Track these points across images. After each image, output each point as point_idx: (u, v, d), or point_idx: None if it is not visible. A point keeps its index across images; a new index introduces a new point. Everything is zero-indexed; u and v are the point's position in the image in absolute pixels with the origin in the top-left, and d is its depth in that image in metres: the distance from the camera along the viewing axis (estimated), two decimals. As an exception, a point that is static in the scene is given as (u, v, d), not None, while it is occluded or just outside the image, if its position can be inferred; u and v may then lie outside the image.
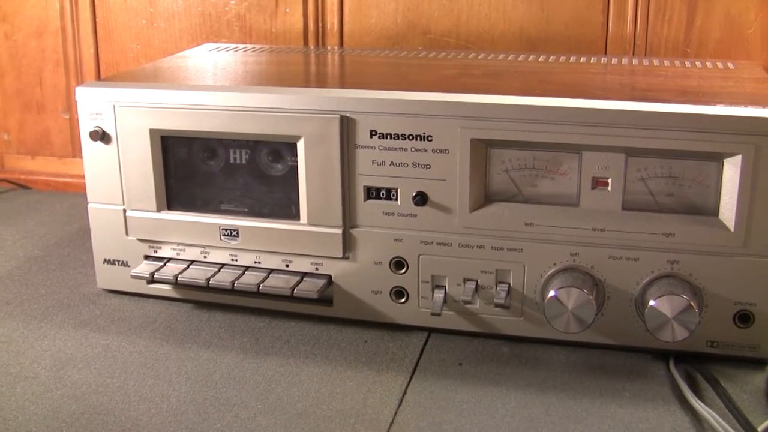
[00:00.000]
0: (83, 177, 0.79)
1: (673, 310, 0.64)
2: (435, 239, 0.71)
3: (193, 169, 0.76)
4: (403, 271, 0.72)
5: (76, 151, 1.16)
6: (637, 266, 0.67)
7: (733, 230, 0.65)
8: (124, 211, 0.78)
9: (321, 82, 0.85)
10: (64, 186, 1.16)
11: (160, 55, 1.08)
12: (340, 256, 0.73)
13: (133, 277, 0.78)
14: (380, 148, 0.70)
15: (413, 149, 0.69)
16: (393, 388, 0.66)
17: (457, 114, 0.67)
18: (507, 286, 0.70)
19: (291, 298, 0.74)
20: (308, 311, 0.76)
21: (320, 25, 1.03)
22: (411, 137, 0.69)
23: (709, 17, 0.92)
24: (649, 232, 0.66)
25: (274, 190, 0.74)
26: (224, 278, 0.75)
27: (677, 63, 0.86)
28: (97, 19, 1.11)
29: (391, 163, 0.70)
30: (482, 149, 0.68)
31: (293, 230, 0.74)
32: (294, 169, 0.73)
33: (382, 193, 0.71)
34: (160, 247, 0.78)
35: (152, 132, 0.75)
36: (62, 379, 0.67)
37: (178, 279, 0.76)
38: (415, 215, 0.71)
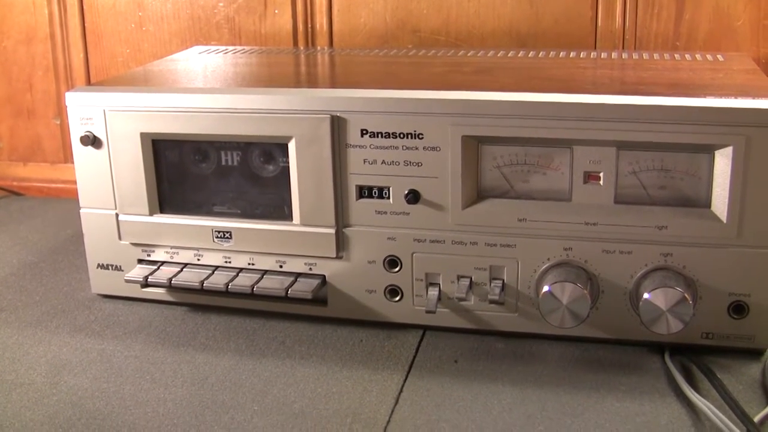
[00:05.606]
0: (75, 183, 0.78)
1: (667, 302, 0.64)
2: (428, 237, 0.71)
3: (184, 171, 0.76)
4: (396, 269, 0.72)
5: (67, 157, 1.16)
6: (630, 259, 0.67)
7: (725, 221, 0.65)
8: (117, 215, 0.78)
9: (311, 82, 0.85)
10: (56, 192, 1.16)
11: (149, 59, 1.08)
12: (334, 255, 0.73)
13: (127, 281, 0.78)
14: (372, 147, 0.70)
15: (405, 147, 0.69)
16: (389, 386, 0.66)
17: (447, 111, 0.67)
18: (501, 282, 0.70)
19: (285, 298, 0.74)
20: (303, 312, 0.76)
21: (309, 25, 1.03)
22: (402, 135, 0.69)
23: (697, 10, 0.92)
24: (642, 225, 0.66)
25: (266, 191, 0.74)
26: (218, 280, 0.75)
27: (667, 56, 0.86)
28: (86, 24, 1.11)
29: (383, 162, 0.70)
30: (473, 146, 0.68)
31: (286, 231, 0.74)
32: (286, 170, 0.73)
33: (375, 192, 0.71)
34: (153, 251, 0.78)
35: (143, 136, 0.74)
36: (58, 385, 0.66)
37: (172, 282, 0.76)
38: (408, 213, 0.71)
